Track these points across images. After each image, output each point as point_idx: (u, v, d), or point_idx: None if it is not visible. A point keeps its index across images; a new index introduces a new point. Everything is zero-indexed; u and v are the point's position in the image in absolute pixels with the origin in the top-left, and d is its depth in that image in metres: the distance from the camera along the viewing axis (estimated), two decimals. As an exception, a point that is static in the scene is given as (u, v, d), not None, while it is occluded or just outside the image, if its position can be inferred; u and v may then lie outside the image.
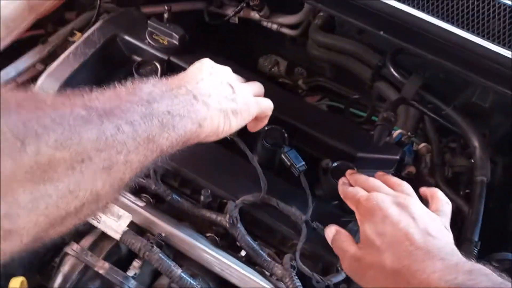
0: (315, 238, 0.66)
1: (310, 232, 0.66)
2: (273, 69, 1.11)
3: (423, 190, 0.63)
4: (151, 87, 0.47)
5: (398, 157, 0.74)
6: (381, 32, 0.67)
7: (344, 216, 0.69)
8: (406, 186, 0.61)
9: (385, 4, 0.65)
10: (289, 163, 0.68)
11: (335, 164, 0.70)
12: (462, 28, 0.64)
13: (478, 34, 0.64)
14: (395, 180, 0.63)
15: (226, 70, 0.61)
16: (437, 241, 0.50)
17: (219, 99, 0.54)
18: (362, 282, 0.52)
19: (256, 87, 0.64)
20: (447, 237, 0.52)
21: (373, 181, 0.63)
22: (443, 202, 0.59)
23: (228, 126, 0.56)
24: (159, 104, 0.46)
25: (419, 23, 0.64)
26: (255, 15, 1.03)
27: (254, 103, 0.60)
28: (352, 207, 0.60)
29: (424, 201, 0.61)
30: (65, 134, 0.35)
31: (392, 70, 0.81)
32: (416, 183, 0.67)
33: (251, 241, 0.65)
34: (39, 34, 0.95)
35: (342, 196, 0.64)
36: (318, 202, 0.69)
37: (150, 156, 0.44)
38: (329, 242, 0.60)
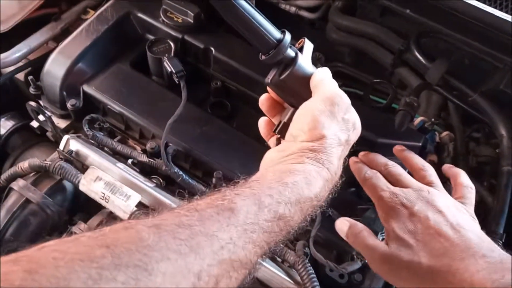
0: (329, 226, 0.63)
1: (324, 219, 0.63)
2: (290, 54, 1.08)
3: (446, 169, 0.60)
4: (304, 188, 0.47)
5: (420, 143, 0.70)
6: (408, 11, 0.63)
7: (361, 203, 0.66)
8: (429, 172, 0.57)
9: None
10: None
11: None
12: (495, 6, 0.60)
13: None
14: (418, 162, 0.59)
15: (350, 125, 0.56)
16: (471, 234, 0.46)
17: (339, 157, 0.53)
18: (396, 282, 0.49)
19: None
20: (476, 227, 0.49)
21: (393, 169, 0.58)
22: (467, 189, 0.55)
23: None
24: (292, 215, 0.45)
25: (448, 1, 0.61)
26: (272, -4, 1.00)
27: (355, 138, 0.58)
28: (372, 198, 0.56)
29: (446, 178, 0.58)
30: None
31: (416, 53, 0.77)
32: (438, 173, 0.63)
33: (263, 226, 0.63)
34: (52, 13, 0.93)
35: (358, 178, 0.59)
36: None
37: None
38: (344, 236, 0.54)
